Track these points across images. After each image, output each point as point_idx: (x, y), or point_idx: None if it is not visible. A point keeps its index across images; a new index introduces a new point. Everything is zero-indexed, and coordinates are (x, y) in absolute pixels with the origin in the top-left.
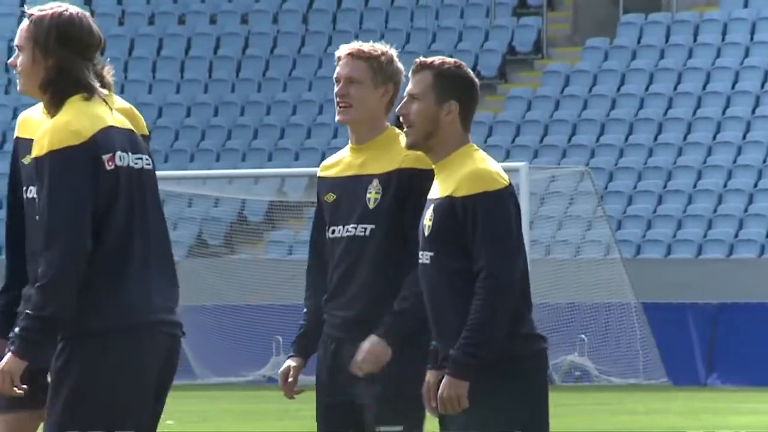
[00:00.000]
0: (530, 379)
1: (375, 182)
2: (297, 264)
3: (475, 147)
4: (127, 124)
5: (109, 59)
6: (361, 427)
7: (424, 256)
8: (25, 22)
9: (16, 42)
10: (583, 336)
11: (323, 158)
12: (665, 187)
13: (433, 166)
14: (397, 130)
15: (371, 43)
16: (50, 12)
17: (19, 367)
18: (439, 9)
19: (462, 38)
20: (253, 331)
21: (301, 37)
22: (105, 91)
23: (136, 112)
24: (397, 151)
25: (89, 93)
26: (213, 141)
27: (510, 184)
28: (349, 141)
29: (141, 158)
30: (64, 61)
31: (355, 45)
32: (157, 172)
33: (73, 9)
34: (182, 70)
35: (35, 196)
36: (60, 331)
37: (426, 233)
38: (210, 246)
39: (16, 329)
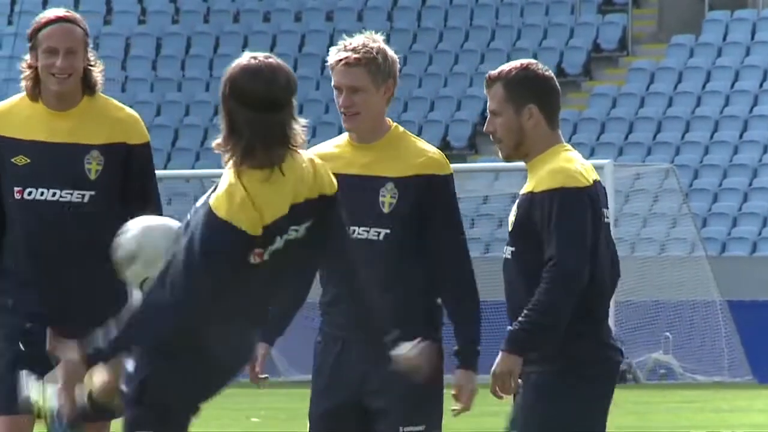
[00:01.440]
0: (594, 387)
1: (389, 185)
2: None
3: (566, 147)
4: None
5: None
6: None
7: (507, 251)
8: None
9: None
10: (668, 334)
11: None
12: (750, 184)
13: (526, 166)
14: (401, 128)
15: (357, 38)
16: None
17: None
18: (524, 6)
19: (547, 35)
20: None
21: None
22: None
23: (138, 118)
24: (411, 154)
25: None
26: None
27: (592, 185)
28: (348, 137)
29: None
30: (235, 117)
31: (346, 52)
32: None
33: (256, 59)
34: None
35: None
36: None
37: (509, 229)
38: None
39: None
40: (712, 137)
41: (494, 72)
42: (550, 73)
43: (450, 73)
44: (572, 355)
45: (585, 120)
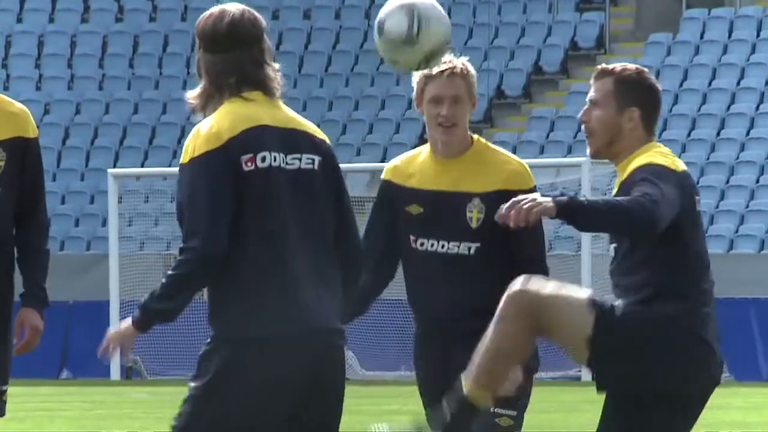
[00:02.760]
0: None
1: (476, 200)
2: None
3: (658, 145)
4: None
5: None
6: None
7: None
8: None
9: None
10: None
11: (385, 154)
12: (728, 182)
13: (615, 168)
14: (483, 140)
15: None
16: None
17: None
18: (501, 4)
19: (524, 33)
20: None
21: (363, 32)
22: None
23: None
24: (496, 169)
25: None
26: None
27: (684, 171)
28: (431, 151)
29: (299, 158)
30: (207, 65)
31: (450, 62)
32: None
33: (214, 9)
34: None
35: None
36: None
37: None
38: None
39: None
40: (689, 135)
41: (608, 67)
42: (658, 86)
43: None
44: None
45: (563, 118)
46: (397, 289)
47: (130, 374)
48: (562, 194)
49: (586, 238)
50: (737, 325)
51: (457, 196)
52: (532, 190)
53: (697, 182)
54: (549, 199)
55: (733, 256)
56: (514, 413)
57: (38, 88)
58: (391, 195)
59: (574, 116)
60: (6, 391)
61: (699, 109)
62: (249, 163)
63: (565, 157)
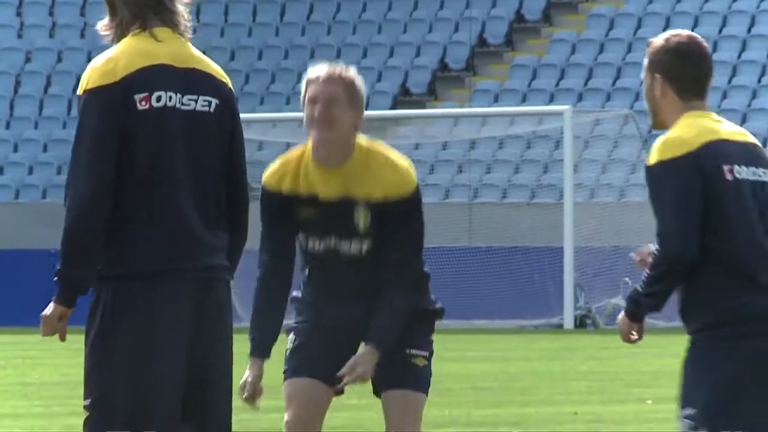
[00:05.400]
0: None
1: (362, 205)
2: None
3: (695, 114)
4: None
5: None
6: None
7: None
8: None
9: None
10: (627, 279)
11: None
12: None
13: None
14: (365, 145)
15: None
16: None
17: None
18: None
19: None
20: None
21: None
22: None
23: None
24: (377, 178)
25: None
26: (257, 85)
27: (702, 146)
28: (313, 158)
29: (195, 99)
30: None
31: (328, 67)
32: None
33: None
34: (226, 14)
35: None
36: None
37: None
38: (253, 189)
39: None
40: None
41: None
42: (689, 44)
43: (410, 19)
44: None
45: (545, 66)
46: None
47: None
48: (627, 304)
49: (568, 186)
50: None
51: (343, 202)
52: (415, 192)
53: None
54: (621, 316)
55: None
56: (426, 353)
57: (19, 36)
58: (278, 201)
59: (556, 64)
60: None
61: None
62: (143, 102)
63: (547, 104)
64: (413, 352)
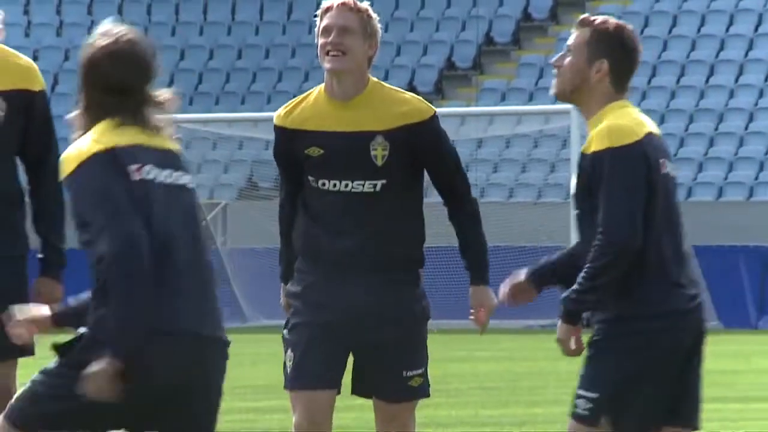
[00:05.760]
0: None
1: (380, 138)
2: None
3: (624, 104)
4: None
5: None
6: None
7: (575, 213)
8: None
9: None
10: None
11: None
12: (717, 129)
13: (586, 122)
14: (377, 80)
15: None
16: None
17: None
18: None
19: None
20: None
21: None
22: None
23: (35, 66)
24: (395, 105)
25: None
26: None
27: (645, 136)
28: (326, 93)
29: (170, 175)
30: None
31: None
32: (187, 115)
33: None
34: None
35: None
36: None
37: (573, 190)
38: (260, 188)
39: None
40: (678, 82)
41: (590, 17)
42: (635, 40)
43: (416, 17)
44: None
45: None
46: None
47: None
48: (566, 306)
49: (574, 185)
50: (726, 272)
51: (359, 135)
52: (434, 117)
53: (686, 129)
54: (559, 325)
55: (722, 203)
56: (421, 370)
57: (27, 35)
58: (288, 139)
59: None
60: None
61: (688, 56)
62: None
63: (554, 104)
64: (409, 374)
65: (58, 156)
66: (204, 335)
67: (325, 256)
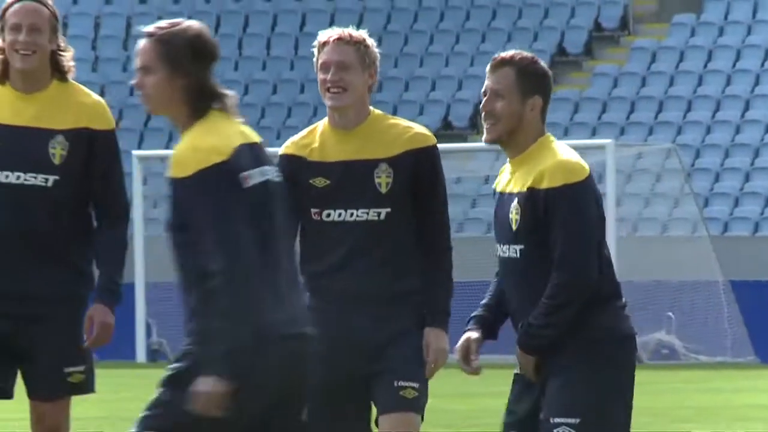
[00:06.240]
0: (612, 363)
1: (383, 165)
2: None
3: (552, 138)
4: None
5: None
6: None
7: (511, 250)
8: (148, 42)
9: (140, 63)
10: (670, 314)
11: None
12: (752, 164)
13: (509, 160)
14: (378, 111)
15: (349, 28)
16: (177, 29)
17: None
18: None
19: (548, 15)
20: None
21: (387, 14)
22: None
23: (104, 105)
24: (398, 132)
25: (223, 106)
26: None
27: (589, 170)
28: (329, 124)
29: (268, 171)
30: (202, 76)
31: (338, 31)
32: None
33: (195, 23)
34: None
35: None
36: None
37: (514, 227)
38: None
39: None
40: (713, 117)
41: (506, 55)
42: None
43: (451, 52)
44: (591, 337)
45: (586, 99)
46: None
47: (155, 356)
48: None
49: (610, 220)
50: (763, 307)
51: (363, 164)
52: (435, 147)
53: (722, 164)
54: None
55: (759, 238)
56: (416, 384)
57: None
58: (293, 169)
59: (598, 98)
60: (72, 373)
61: (723, 91)
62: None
63: (589, 138)
64: (401, 384)
65: (124, 196)
66: (306, 333)
67: (331, 289)
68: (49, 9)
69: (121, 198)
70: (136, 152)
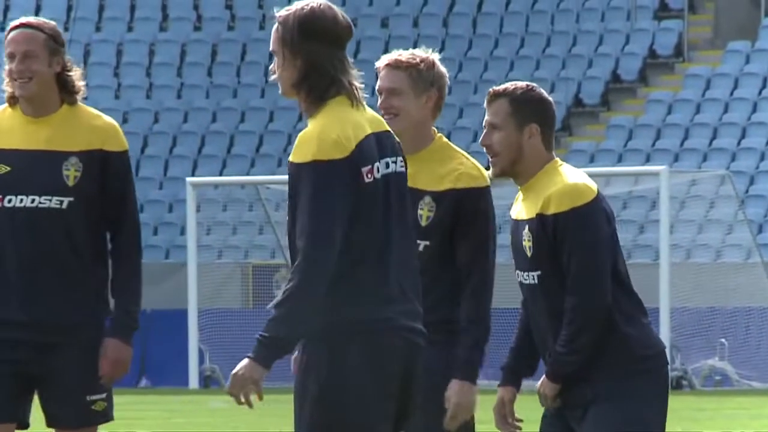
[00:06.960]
0: (644, 383)
1: (427, 198)
2: None
3: (560, 162)
4: (382, 125)
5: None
6: None
7: (529, 276)
8: (275, 26)
9: (270, 48)
10: (723, 340)
11: None
12: None
13: (520, 188)
14: (445, 139)
15: (410, 51)
16: (294, 9)
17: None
18: (580, 12)
19: (602, 42)
20: None
21: (441, 41)
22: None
23: (116, 126)
24: (450, 168)
25: (345, 91)
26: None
27: (597, 190)
28: None
29: (394, 161)
30: (314, 57)
31: (394, 55)
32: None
33: (315, 2)
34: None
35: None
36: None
37: (528, 254)
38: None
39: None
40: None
41: (498, 88)
42: (548, 97)
43: (505, 79)
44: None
45: (641, 126)
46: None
47: (208, 383)
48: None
49: (664, 247)
50: None
51: (411, 193)
52: (485, 189)
53: None
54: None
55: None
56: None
57: (117, 97)
58: None
59: (652, 124)
60: (96, 401)
61: None
62: (368, 175)
63: (644, 164)
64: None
65: (136, 218)
66: (416, 328)
67: None
68: (45, 32)
69: (134, 220)
70: (189, 179)
